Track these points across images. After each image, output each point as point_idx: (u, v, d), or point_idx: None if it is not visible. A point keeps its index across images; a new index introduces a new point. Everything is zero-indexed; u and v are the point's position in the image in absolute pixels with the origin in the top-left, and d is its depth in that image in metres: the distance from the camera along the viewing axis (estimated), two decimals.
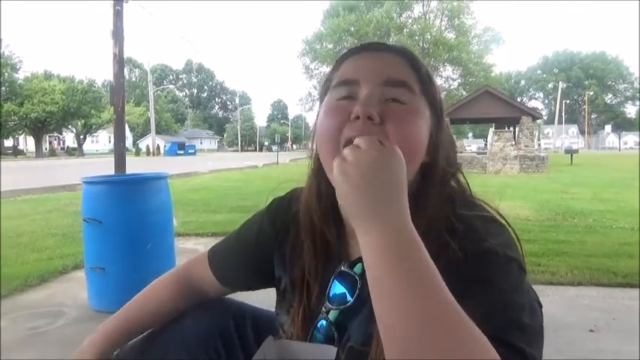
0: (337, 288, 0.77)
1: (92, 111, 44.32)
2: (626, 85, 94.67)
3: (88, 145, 56.32)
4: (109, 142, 55.39)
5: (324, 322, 0.77)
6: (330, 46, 38.55)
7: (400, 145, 0.62)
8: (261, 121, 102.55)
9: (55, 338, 2.56)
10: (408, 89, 0.70)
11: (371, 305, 0.55)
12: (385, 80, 0.69)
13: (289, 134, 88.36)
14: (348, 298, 0.75)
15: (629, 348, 2.37)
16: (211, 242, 5.71)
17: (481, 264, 0.62)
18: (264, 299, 1.05)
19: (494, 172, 17.01)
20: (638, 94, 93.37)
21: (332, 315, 0.76)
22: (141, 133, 65.47)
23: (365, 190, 0.56)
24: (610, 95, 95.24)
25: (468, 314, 0.52)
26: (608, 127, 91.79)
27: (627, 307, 2.97)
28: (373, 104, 0.67)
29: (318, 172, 0.76)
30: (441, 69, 39.69)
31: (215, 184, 12.71)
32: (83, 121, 46.66)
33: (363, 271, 0.68)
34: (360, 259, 0.73)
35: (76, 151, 48.05)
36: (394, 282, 0.52)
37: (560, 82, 66.82)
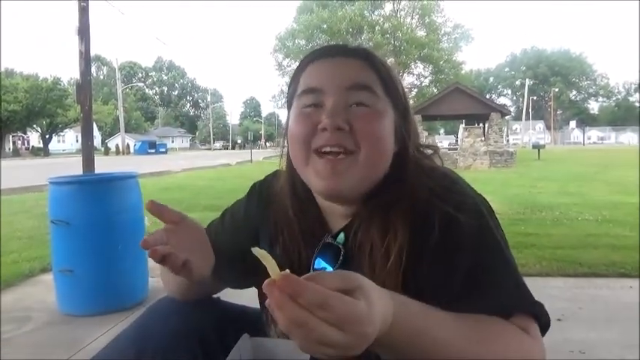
0: (320, 262, 0.80)
1: (58, 110, 42.92)
2: (589, 82, 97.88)
3: (54, 145, 54.53)
4: (77, 141, 53.83)
5: None
6: (303, 42, 38.46)
7: (369, 145, 0.70)
8: (234, 118, 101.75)
9: (22, 344, 2.47)
10: (371, 92, 0.73)
11: (356, 266, 0.62)
12: (348, 86, 0.72)
13: (262, 132, 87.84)
14: (333, 267, 0.78)
15: (595, 337, 2.46)
16: None
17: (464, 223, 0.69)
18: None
19: (464, 167, 17.33)
20: (600, 91, 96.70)
21: None
22: (109, 131, 63.87)
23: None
24: (574, 92, 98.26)
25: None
26: (572, 123, 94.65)
27: (593, 297, 3.08)
28: (339, 113, 0.70)
29: (292, 169, 0.80)
30: (413, 66, 40.12)
31: (188, 182, 12.53)
32: (48, 120, 45.18)
33: (346, 239, 0.77)
34: (341, 230, 0.79)
35: (42, 151, 46.52)
36: None
37: (527, 80, 68.48)
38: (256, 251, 0.50)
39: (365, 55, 0.77)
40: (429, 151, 0.84)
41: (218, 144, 79.57)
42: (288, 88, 0.81)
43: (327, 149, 0.70)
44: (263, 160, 25.78)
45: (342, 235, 0.79)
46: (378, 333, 0.49)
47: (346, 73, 0.73)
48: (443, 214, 0.69)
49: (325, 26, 37.19)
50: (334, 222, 0.81)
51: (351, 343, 0.46)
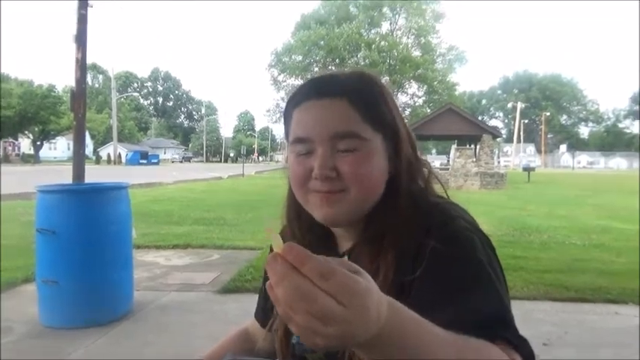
0: None
1: (51, 117, 42.68)
2: (579, 107, 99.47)
3: (46, 152, 53.98)
4: (68, 149, 53.42)
5: None
6: (299, 58, 38.78)
7: (358, 186, 0.75)
8: (227, 131, 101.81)
9: (2, 356, 2.43)
10: (356, 137, 0.77)
11: None
12: (334, 134, 0.77)
13: (255, 146, 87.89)
14: None
15: None
16: (172, 255, 5.50)
17: (448, 244, 0.71)
18: None
19: (455, 187, 17.41)
20: (590, 117, 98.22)
21: None
22: (102, 140, 63.51)
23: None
24: (565, 116, 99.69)
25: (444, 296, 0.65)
26: (563, 147, 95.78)
27: (579, 322, 3.09)
28: (326, 163, 0.76)
29: (293, 196, 0.85)
30: (407, 86, 40.56)
31: (179, 195, 12.46)
32: (41, 127, 44.87)
33: (354, 259, 0.76)
34: (348, 251, 0.83)
35: (32, 158, 46.08)
36: None
37: (519, 103, 69.31)
38: (269, 229, 0.51)
39: (350, 92, 0.78)
40: (425, 170, 0.86)
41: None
42: (285, 120, 0.85)
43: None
44: (255, 174, 25.73)
45: (346, 257, 0.81)
46: (375, 320, 0.48)
47: (332, 121, 0.77)
48: (433, 250, 0.71)
49: (322, 43, 37.56)
50: (342, 244, 0.87)
51: (352, 317, 0.46)
